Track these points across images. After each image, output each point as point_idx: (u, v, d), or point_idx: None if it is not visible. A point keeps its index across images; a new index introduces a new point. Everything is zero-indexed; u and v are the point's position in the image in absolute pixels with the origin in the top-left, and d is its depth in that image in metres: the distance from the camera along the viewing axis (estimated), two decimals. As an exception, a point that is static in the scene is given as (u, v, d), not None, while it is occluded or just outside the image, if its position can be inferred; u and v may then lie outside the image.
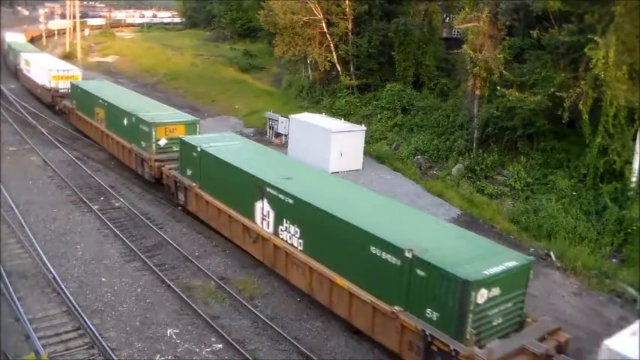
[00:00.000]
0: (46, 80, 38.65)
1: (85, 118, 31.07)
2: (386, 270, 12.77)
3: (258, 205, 17.13)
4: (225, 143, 21.10)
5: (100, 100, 28.78)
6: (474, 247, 13.31)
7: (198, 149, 20.03)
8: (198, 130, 24.67)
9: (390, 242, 12.69)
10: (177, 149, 22.29)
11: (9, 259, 17.37)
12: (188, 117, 26.15)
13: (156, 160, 23.39)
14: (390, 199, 17.99)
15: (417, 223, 15.00)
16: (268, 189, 16.62)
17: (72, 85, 34.28)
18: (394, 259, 12.54)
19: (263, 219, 17.11)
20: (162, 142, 23.66)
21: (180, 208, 22.27)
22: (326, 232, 14.61)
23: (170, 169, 22.41)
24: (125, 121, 25.91)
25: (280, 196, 16.14)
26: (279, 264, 16.61)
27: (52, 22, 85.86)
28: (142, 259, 18.01)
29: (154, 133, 23.55)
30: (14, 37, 62.49)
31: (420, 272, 11.99)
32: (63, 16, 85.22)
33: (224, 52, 61.05)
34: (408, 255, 12.17)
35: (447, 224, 16.10)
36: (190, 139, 21.41)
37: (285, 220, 16.13)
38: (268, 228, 16.90)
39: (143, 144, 24.26)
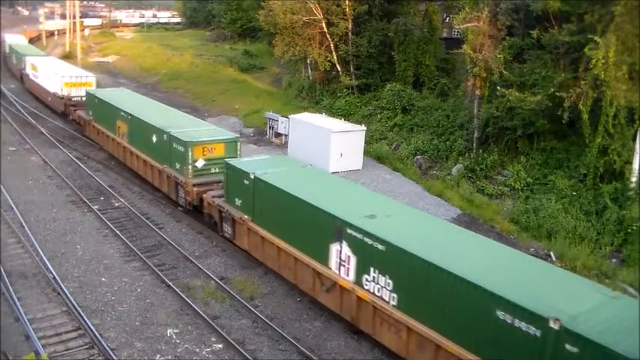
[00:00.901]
0: (58, 87, 35.68)
1: (104, 131, 28.31)
2: (518, 341, 10.36)
3: (334, 247, 14.33)
4: (282, 169, 18.05)
5: (123, 113, 25.95)
6: (612, 305, 10.80)
7: (251, 176, 17.11)
8: (239, 148, 21.99)
9: (527, 308, 10.22)
10: (217, 171, 20.41)
11: (9, 260, 17.36)
12: (227, 134, 23.05)
13: (194, 185, 20.72)
14: (494, 242, 14.65)
15: (538, 272, 12.33)
16: (349, 230, 13.81)
17: (88, 94, 31.17)
18: (532, 329, 10.12)
19: (341, 264, 14.28)
20: (200, 163, 20.93)
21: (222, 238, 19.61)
22: (432, 287, 11.99)
23: (214, 196, 19.58)
24: (154, 138, 23.13)
25: (366, 239, 13.36)
26: (364, 320, 13.96)
27: (48, 22, 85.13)
28: (142, 259, 18.01)
29: (190, 154, 20.65)
30: (15, 39, 60.37)
31: (571, 348, 9.65)
32: (63, 16, 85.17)
33: (224, 52, 61.05)
34: (554, 326, 9.84)
35: (557, 269, 14.01)
36: (240, 163, 18.32)
37: (372, 268, 13.37)
38: (348, 276, 14.11)
39: (177, 165, 21.47)
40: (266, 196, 16.79)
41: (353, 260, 13.91)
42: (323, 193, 15.89)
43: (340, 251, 14.22)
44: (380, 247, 13.03)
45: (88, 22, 70.17)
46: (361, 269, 13.69)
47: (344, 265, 14.20)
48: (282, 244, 16.10)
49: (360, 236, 13.53)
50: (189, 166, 20.79)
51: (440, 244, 13.00)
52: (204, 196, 20.04)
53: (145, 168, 24.48)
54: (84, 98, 33.03)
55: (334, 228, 14.24)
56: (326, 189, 16.70)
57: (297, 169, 18.52)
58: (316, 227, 14.85)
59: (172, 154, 21.77)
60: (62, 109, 35.46)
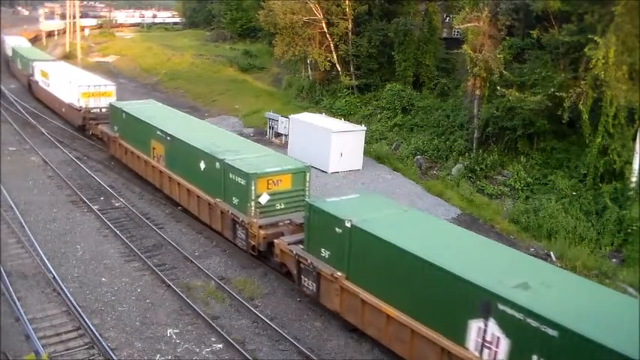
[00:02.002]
0: (74, 98, 32.07)
1: (134, 151, 24.79)
2: None
3: (475, 325, 11.32)
4: (383, 213, 14.78)
5: (160, 132, 22.49)
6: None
7: (347, 224, 13.81)
8: (308, 179, 18.38)
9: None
10: (282, 207, 17.27)
11: (9, 260, 17.36)
12: (294, 162, 19.07)
13: (261, 227, 17.21)
14: None
15: None
16: (500, 305, 10.79)
17: (113, 107, 27.53)
18: None
19: (484, 346, 11.27)
20: (264, 198, 17.38)
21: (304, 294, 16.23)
22: None
23: (289, 243, 16.18)
24: (202, 165, 19.64)
25: (530, 321, 10.27)
26: None
27: (42, 22, 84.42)
28: (142, 259, 18.00)
29: (253, 188, 16.94)
30: (17, 41, 56.61)
31: None
32: (63, 16, 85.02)
33: (224, 52, 61.06)
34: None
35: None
36: (327, 206, 14.86)
37: (535, 357, 10.35)
38: None
39: (235, 200, 18.01)
40: (369, 251, 13.58)
41: (505, 344, 10.94)
42: (446, 249, 12.87)
43: (485, 330, 11.26)
44: (551, 331, 10.05)
45: (83, 22, 69.10)
46: (518, 357, 10.77)
47: (489, 348, 11.23)
48: (395, 313, 12.93)
49: (518, 316, 10.51)
50: (252, 203, 17.16)
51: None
52: (278, 242, 16.53)
53: (189, 199, 20.89)
54: (104, 110, 30.74)
55: (476, 300, 11.27)
56: (446, 242, 13.54)
57: (400, 214, 15.13)
58: (448, 297, 11.82)
59: (228, 186, 18.16)
60: (80, 123, 31.86)
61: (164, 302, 15.73)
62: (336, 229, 14.15)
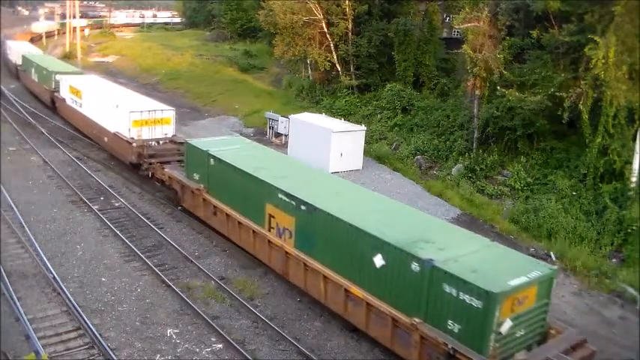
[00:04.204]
0: (123, 126, 25.12)
1: (233, 214, 18.33)
2: None
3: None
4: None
5: (284, 196, 16.00)
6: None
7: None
8: (554, 286, 12.84)
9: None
10: (522, 334, 11.85)
11: (9, 260, 17.36)
12: (536, 264, 12.89)
13: None
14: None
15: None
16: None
17: (191, 147, 20.61)
18: None
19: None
20: (506, 326, 11.46)
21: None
22: None
23: None
24: (378, 260, 13.24)
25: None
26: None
27: (34, 24, 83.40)
28: (142, 259, 18.00)
29: (496, 313, 11.09)
30: (25, 47, 50.85)
31: None
32: (63, 16, 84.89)
33: (224, 52, 61.07)
34: None
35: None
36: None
37: None
38: None
39: (455, 326, 11.74)
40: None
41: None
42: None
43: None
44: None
45: (74, 22, 68.05)
46: None
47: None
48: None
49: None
50: (492, 335, 11.24)
51: None
52: None
53: (356, 310, 14.08)
54: (162, 142, 25.10)
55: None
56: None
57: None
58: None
59: (438, 301, 12.00)
60: (134, 160, 24.64)
61: (164, 302, 15.73)
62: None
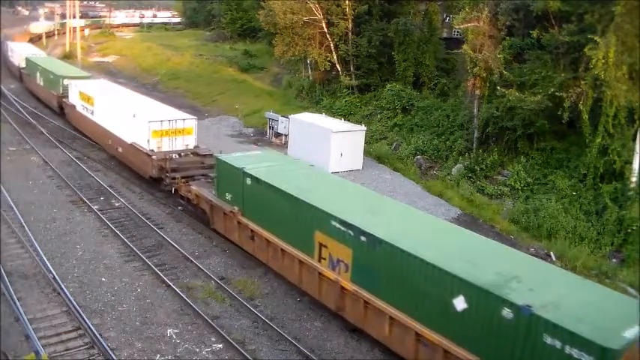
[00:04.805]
0: (142, 137, 23.30)
1: (276, 241, 16.45)
2: None
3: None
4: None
5: (338, 224, 14.15)
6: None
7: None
8: None
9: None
10: None
11: (9, 260, 17.36)
12: None
13: None
14: None
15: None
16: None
17: (223, 165, 18.64)
18: None
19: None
20: None
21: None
22: None
23: None
24: (459, 303, 11.37)
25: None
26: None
27: (31, 24, 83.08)
28: (142, 259, 18.00)
29: None
30: (28, 49, 49.59)
31: None
32: (63, 16, 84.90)
33: (224, 52, 61.09)
34: None
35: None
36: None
37: None
38: None
39: None
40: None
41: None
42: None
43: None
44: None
45: (73, 22, 67.84)
46: None
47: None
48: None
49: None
50: None
51: None
52: None
53: (431, 356, 12.15)
54: (183, 154, 23.18)
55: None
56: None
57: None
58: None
59: (536, 354, 10.22)
60: (154, 174, 22.80)
61: (164, 302, 15.73)
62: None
